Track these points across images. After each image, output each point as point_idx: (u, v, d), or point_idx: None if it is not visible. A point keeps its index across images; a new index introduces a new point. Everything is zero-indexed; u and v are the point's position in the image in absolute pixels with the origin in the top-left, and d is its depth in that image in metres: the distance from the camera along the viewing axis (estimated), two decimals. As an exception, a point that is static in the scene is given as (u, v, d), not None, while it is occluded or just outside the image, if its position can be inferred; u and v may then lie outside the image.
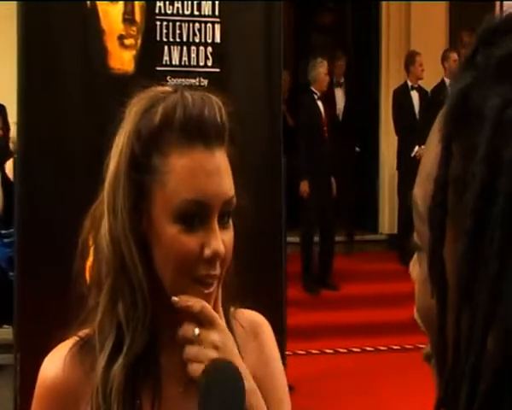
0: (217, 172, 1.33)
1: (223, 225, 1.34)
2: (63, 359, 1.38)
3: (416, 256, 0.78)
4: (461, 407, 0.66)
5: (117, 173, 1.34)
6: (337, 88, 9.86)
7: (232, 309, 1.48)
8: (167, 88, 1.40)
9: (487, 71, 0.70)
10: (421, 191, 0.75)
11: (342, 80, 9.96)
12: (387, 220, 10.28)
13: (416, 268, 0.76)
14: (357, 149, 10.31)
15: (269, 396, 1.43)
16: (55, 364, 1.38)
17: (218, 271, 1.33)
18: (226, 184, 1.34)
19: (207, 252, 1.31)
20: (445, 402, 0.69)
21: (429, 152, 0.74)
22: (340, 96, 9.85)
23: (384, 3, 10.42)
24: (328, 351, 7.67)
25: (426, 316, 0.74)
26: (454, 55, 8.90)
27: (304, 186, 8.51)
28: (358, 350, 7.81)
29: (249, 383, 1.33)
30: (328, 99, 9.30)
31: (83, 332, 1.40)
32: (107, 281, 1.36)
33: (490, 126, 0.67)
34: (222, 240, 1.32)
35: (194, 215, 1.31)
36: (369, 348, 7.77)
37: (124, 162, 1.33)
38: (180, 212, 1.31)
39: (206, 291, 1.34)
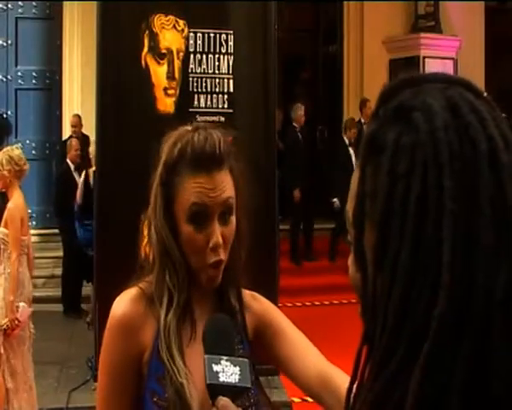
0: (213, 189, 1.32)
1: (223, 222, 1.33)
2: (127, 301, 1.37)
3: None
4: (376, 339, 0.68)
5: (155, 188, 1.36)
6: None
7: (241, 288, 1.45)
8: (189, 128, 1.37)
9: (386, 118, 0.71)
10: (349, 204, 0.74)
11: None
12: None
13: (350, 256, 0.76)
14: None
15: (281, 325, 1.45)
16: (121, 304, 1.37)
17: (222, 256, 1.33)
18: (223, 194, 1.32)
19: (210, 244, 1.31)
20: (367, 337, 0.71)
21: (354, 177, 0.74)
22: None
23: (345, 63, 10.37)
24: (307, 304, 7.68)
25: (355, 284, 0.74)
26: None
27: (297, 193, 8.50)
28: (328, 303, 7.81)
29: None
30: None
31: (141, 284, 1.39)
32: (157, 259, 1.36)
33: (389, 151, 0.68)
34: (222, 233, 1.32)
35: (200, 216, 1.31)
36: (335, 302, 7.77)
37: (158, 180, 1.35)
38: (191, 213, 1.31)
39: (214, 274, 1.35)
